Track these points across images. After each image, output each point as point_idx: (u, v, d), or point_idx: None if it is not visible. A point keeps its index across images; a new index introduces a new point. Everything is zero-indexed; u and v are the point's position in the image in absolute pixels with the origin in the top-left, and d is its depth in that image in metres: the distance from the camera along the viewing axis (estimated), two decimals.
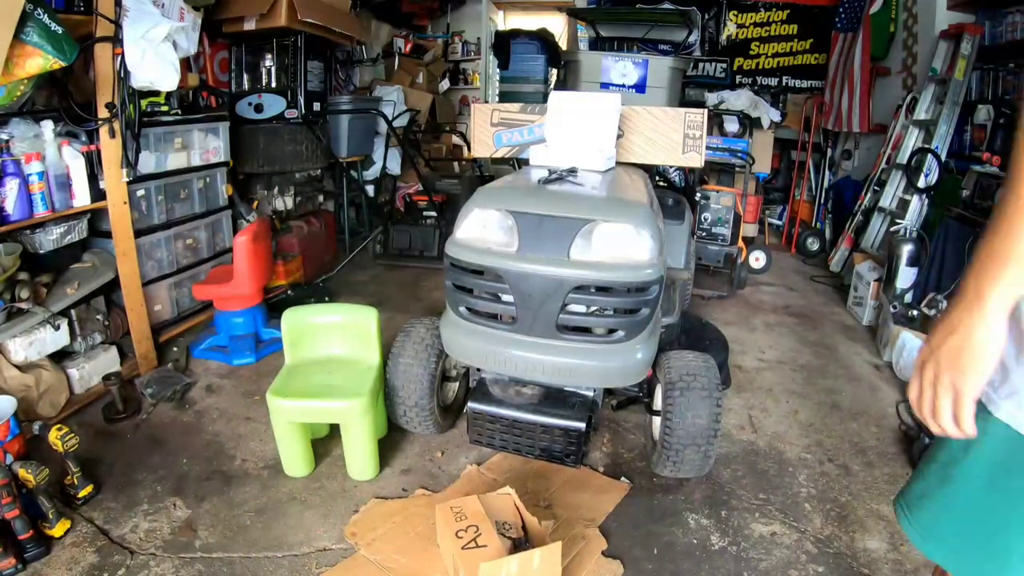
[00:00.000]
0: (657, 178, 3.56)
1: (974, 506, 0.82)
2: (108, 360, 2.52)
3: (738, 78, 5.95)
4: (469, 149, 2.95)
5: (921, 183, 3.72)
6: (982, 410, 0.78)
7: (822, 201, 5.24)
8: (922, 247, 3.35)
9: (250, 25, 3.31)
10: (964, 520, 0.83)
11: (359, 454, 1.98)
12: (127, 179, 2.47)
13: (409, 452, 2.19)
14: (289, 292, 3.42)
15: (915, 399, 0.79)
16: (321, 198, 4.39)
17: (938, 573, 1.00)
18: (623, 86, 2.94)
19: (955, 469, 0.83)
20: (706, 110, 2.29)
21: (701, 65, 6.04)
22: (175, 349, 2.84)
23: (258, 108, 3.56)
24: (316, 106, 3.75)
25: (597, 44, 4.42)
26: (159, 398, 2.42)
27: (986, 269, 0.70)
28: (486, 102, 6.05)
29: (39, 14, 1.93)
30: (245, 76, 3.67)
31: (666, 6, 4.86)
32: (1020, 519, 0.78)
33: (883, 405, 2.64)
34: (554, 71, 6.26)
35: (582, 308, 1.75)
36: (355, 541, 1.74)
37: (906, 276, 3.34)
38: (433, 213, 4.46)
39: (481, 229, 1.78)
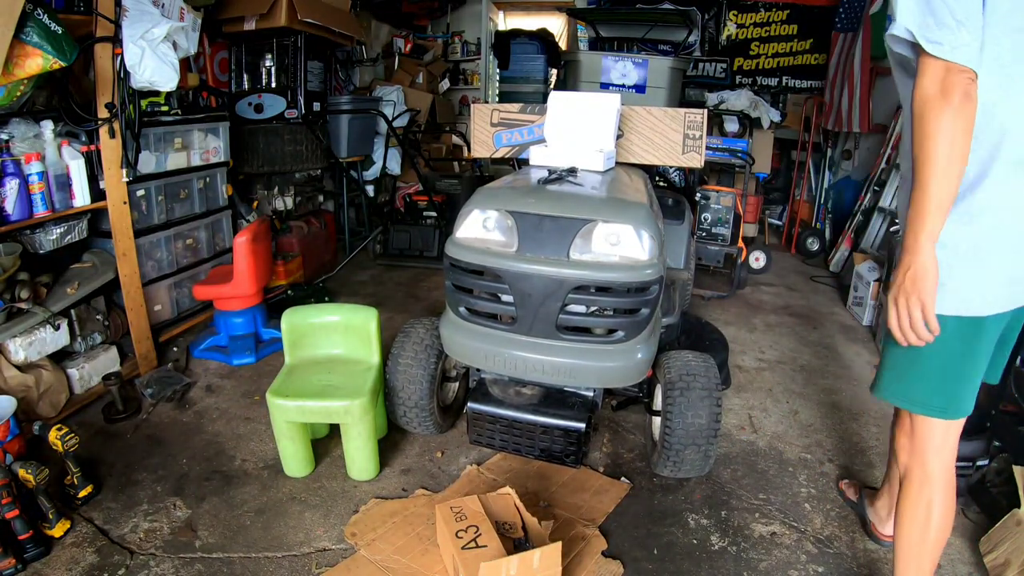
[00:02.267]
0: (657, 178, 3.56)
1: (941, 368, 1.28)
2: (108, 360, 2.52)
3: (738, 78, 5.94)
4: (469, 149, 2.95)
5: None
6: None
7: (822, 201, 5.24)
8: None
9: (250, 25, 3.31)
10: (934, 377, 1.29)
11: (359, 454, 1.98)
12: (127, 179, 2.47)
13: (409, 452, 2.19)
14: (289, 292, 3.42)
15: (895, 322, 1.18)
16: (321, 198, 4.39)
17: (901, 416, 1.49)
18: (623, 86, 2.93)
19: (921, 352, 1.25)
20: (706, 110, 2.29)
21: (701, 65, 6.04)
22: (175, 349, 2.84)
23: (258, 108, 3.56)
24: (316, 106, 3.74)
25: (597, 44, 4.42)
26: (159, 398, 2.42)
27: (918, 228, 1.12)
28: (486, 102, 6.04)
29: (39, 14, 1.93)
30: (245, 76, 3.67)
31: (666, 6, 4.85)
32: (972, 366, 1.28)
33: (883, 405, 2.63)
34: (554, 71, 6.27)
35: (582, 308, 1.75)
36: (355, 541, 1.74)
37: None
38: (433, 213, 4.46)
39: (481, 229, 1.78)
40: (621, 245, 1.68)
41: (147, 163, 2.68)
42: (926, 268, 1.12)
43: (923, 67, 1.08)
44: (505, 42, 6.18)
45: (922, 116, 1.08)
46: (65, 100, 2.37)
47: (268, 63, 3.61)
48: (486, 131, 2.43)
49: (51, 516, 1.71)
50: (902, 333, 1.18)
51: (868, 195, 4.45)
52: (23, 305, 2.17)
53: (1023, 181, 1.16)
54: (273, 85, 3.62)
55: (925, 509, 1.34)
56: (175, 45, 2.44)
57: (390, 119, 4.47)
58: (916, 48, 1.09)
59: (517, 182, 1.98)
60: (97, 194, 2.40)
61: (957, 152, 1.07)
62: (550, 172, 1.92)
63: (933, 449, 1.33)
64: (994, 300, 1.21)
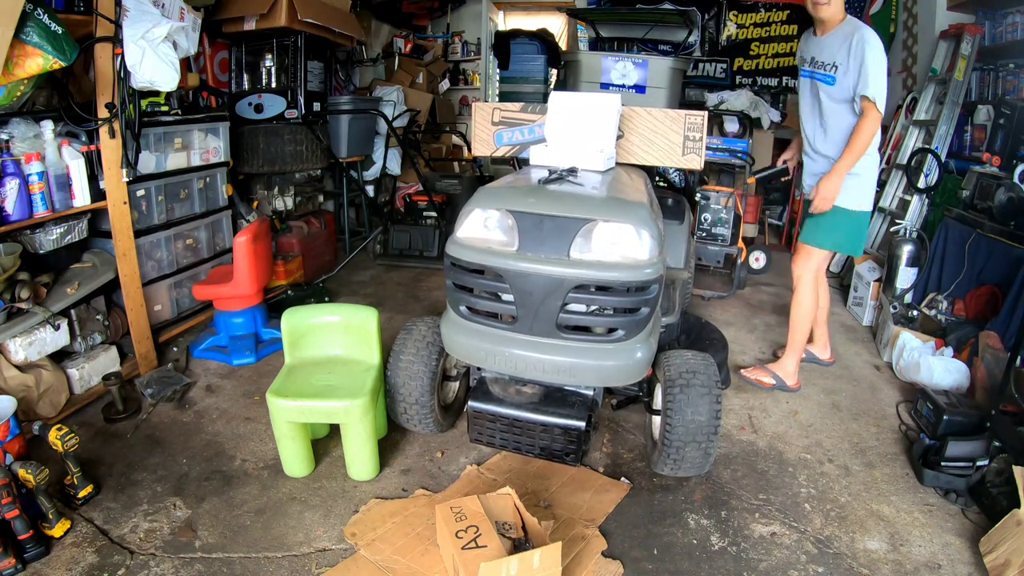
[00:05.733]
0: (657, 178, 3.56)
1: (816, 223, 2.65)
2: (108, 360, 2.52)
3: (738, 78, 5.95)
4: (469, 149, 2.95)
5: (921, 183, 3.72)
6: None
7: None
8: (922, 247, 3.35)
9: (250, 25, 3.31)
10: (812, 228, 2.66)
11: (359, 454, 1.98)
12: (127, 179, 2.47)
13: (409, 452, 2.19)
14: (289, 292, 3.42)
15: (821, 205, 2.50)
16: (321, 198, 4.39)
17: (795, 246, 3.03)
18: (623, 86, 2.93)
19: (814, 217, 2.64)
20: (706, 111, 2.30)
21: (701, 65, 6.04)
22: (175, 349, 2.84)
23: (258, 108, 3.56)
24: (316, 106, 3.75)
25: (597, 44, 4.41)
26: (159, 398, 2.42)
27: (843, 170, 2.43)
28: (486, 102, 6.05)
29: (39, 14, 1.93)
30: (245, 76, 3.67)
31: (666, 6, 4.85)
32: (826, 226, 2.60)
33: (883, 405, 2.64)
34: (554, 71, 6.27)
35: (582, 307, 1.75)
36: (355, 541, 1.74)
37: (906, 276, 3.34)
38: (433, 213, 4.45)
39: (482, 229, 1.78)
40: (621, 244, 1.68)
41: (147, 163, 2.68)
42: (838, 187, 2.45)
43: (869, 109, 2.33)
44: (505, 42, 6.18)
45: (866, 130, 2.35)
46: (65, 100, 2.37)
47: (268, 63, 3.61)
48: (487, 130, 2.43)
49: (51, 516, 1.71)
50: (822, 209, 2.49)
51: None
52: (23, 305, 2.17)
53: (876, 156, 2.52)
54: (273, 85, 3.62)
55: (814, 294, 2.67)
56: (175, 45, 2.44)
57: (390, 119, 4.47)
58: (863, 99, 2.33)
59: (518, 182, 1.98)
60: (97, 194, 2.40)
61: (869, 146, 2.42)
62: (550, 172, 1.92)
63: (817, 267, 2.67)
64: (870, 204, 2.55)
